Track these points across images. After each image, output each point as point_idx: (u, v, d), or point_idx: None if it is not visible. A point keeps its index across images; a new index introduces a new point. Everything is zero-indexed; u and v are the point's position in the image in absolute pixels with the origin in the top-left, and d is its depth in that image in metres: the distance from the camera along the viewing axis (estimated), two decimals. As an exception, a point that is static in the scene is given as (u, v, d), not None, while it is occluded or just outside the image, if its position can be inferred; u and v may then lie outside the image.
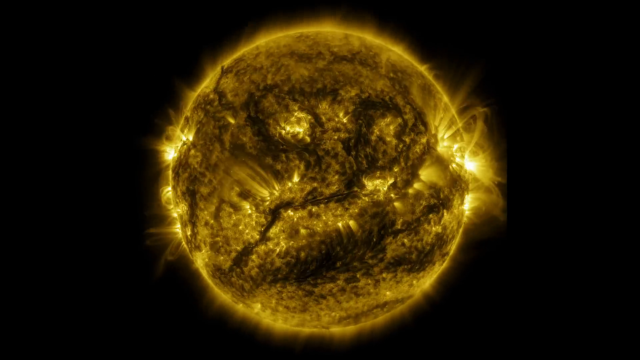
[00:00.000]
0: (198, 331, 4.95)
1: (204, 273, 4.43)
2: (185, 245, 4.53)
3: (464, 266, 4.72)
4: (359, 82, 3.86)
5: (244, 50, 4.56)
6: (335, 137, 3.63)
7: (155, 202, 4.61)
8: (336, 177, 3.61)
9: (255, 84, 3.85)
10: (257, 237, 3.71)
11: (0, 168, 4.68)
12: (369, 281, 3.99)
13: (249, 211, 3.66)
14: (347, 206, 3.65)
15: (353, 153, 3.63)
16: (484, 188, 4.36)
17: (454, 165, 4.15)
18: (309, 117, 3.62)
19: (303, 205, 3.61)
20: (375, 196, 3.71)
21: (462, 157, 4.28)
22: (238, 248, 3.82)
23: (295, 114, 3.63)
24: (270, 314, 4.44)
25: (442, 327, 4.90)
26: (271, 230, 3.68)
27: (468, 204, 4.46)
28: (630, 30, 4.05)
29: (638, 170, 4.04)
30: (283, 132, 3.62)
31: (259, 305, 4.32)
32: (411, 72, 4.37)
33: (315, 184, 3.59)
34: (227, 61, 4.65)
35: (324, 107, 3.68)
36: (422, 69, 4.54)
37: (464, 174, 4.30)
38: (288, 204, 3.62)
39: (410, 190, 3.81)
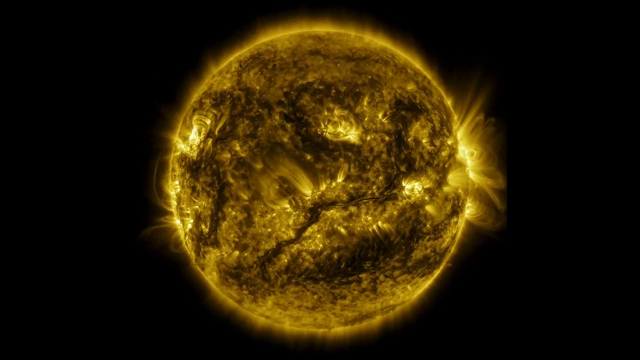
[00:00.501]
0: (199, 329, 4.86)
1: (212, 270, 4.32)
2: (190, 241, 4.40)
3: (462, 267, 4.83)
4: (390, 84, 3.88)
5: (254, 46, 4.48)
6: (379, 138, 3.63)
7: (159, 196, 4.49)
8: (380, 178, 3.62)
9: (287, 82, 3.78)
10: (293, 235, 3.65)
11: (4, 166, 4.52)
12: (390, 283, 4.03)
13: (288, 209, 3.60)
14: (385, 208, 3.67)
15: (394, 155, 3.65)
16: (484, 190, 4.47)
17: (467, 168, 4.26)
18: (350, 116, 3.60)
19: (344, 206, 3.59)
20: (411, 199, 3.75)
21: (469, 160, 4.40)
22: (267, 247, 3.75)
23: (336, 113, 3.60)
24: (279, 313, 4.38)
25: (440, 329, 4.98)
26: (307, 230, 3.64)
27: (469, 206, 4.58)
28: (632, 35, 4.20)
29: (637, 172, 4.20)
30: (325, 131, 3.58)
31: (269, 304, 4.26)
32: (425, 74, 4.45)
33: (357, 184, 3.59)
34: (235, 55, 4.58)
35: (362, 107, 3.68)
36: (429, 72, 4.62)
37: (470, 177, 4.42)
38: (329, 204, 3.59)
39: (441, 194, 3.88)
